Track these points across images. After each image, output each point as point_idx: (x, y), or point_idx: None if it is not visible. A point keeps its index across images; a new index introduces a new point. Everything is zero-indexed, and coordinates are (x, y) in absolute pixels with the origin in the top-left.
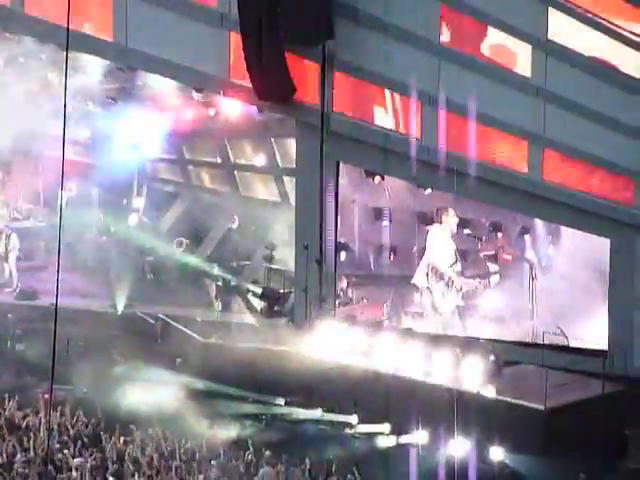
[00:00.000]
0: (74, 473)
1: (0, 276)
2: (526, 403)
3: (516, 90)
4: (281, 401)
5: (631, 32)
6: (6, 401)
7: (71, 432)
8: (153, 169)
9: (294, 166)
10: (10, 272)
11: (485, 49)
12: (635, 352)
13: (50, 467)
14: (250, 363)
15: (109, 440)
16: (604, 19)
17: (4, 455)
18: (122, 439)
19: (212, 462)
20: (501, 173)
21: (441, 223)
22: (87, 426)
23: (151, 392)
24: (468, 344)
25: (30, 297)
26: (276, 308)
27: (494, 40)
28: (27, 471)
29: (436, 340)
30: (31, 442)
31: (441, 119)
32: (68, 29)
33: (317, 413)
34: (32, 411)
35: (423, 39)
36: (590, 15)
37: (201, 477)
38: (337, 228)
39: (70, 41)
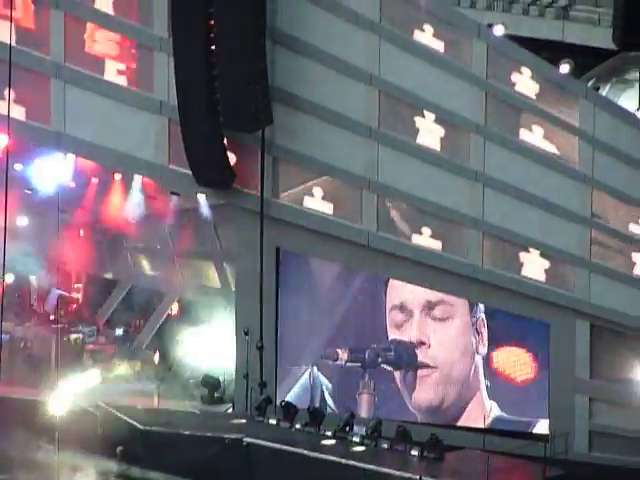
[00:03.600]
0: None
1: None
2: None
3: (454, 174)
4: None
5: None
6: None
7: None
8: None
9: (235, 251)
10: None
11: (423, 134)
12: (576, 436)
13: None
14: (191, 450)
15: None
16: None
17: None
18: None
19: None
20: (441, 257)
21: None
22: None
23: None
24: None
25: None
26: (216, 395)
27: (431, 124)
28: None
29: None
30: None
31: (380, 203)
32: (9, 116)
33: None
34: None
35: (360, 124)
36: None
37: None
38: (278, 314)
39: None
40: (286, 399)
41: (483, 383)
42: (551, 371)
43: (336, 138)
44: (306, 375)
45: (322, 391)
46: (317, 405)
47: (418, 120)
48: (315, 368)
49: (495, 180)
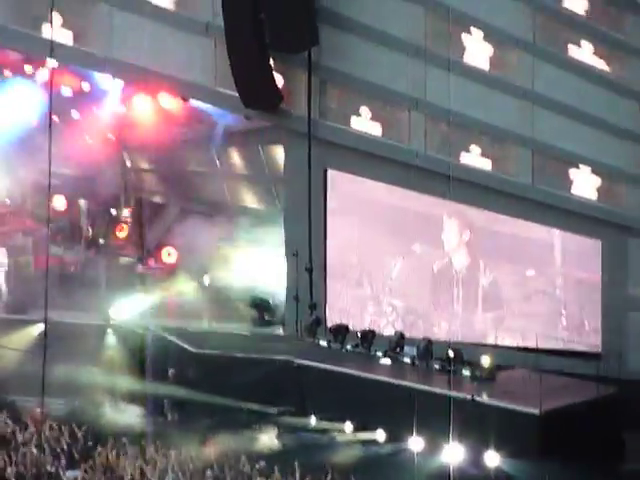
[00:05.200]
0: None
1: None
2: (521, 407)
3: (503, 93)
4: (274, 410)
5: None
6: None
7: (62, 446)
8: (140, 180)
9: (282, 174)
10: None
11: (470, 53)
12: (629, 354)
13: None
14: (242, 373)
15: (100, 454)
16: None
17: None
18: (114, 452)
19: (207, 473)
20: (492, 176)
21: None
22: (77, 440)
23: (143, 404)
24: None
25: (19, 311)
26: (267, 317)
27: (479, 43)
28: None
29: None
30: (21, 456)
31: (428, 123)
32: (52, 43)
33: (311, 421)
34: (22, 425)
35: (408, 44)
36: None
37: None
38: (326, 236)
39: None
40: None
41: None
42: (603, 289)
43: (383, 58)
44: None
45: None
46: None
47: (465, 37)
48: None
49: (544, 97)
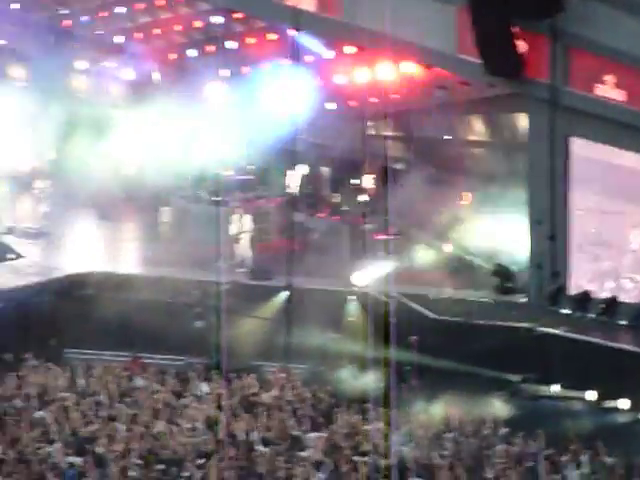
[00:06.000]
0: (309, 451)
1: (233, 257)
2: None
3: None
4: (516, 377)
5: None
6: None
7: (305, 410)
8: (382, 147)
9: (525, 141)
10: (242, 253)
11: None
12: None
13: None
14: (483, 340)
15: (343, 418)
16: None
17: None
18: (356, 417)
19: (447, 437)
20: None
21: None
22: (320, 404)
23: (384, 370)
24: None
25: (264, 277)
26: (509, 284)
27: None
28: (264, 449)
29: None
30: (265, 420)
31: None
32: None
33: (553, 389)
34: (267, 390)
35: None
36: None
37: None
38: (568, 204)
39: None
40: None
41: None
42: None
43: (629, 25)
44: None
45: None
46: None
47: None
48: None
49: None
